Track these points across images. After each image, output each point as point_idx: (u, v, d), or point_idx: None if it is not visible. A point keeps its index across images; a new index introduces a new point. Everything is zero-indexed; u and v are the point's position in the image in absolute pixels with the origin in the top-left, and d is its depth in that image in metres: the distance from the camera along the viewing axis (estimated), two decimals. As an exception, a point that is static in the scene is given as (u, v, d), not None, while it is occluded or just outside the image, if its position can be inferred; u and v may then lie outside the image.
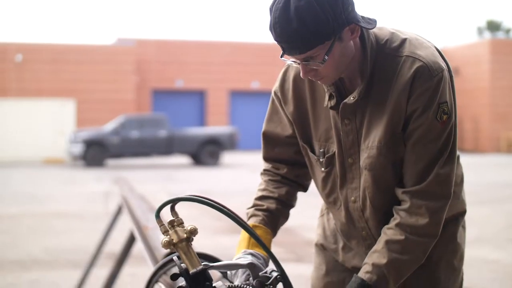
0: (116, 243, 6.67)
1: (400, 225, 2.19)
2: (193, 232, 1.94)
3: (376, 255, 2.19)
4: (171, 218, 1.96)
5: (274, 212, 2.43)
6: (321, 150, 2.37)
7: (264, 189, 2.49)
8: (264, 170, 2.55)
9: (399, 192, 2.24)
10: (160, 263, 2.64)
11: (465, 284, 7.06)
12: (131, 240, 4.86)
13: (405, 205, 2.20)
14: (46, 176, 22.46)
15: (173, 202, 1.95)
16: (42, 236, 10.36)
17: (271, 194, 2.46)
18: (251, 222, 2.38)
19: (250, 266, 2.04)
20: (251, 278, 2.07)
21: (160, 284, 2.58)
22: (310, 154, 2.41)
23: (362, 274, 2.18)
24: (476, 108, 36.63)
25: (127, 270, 6.72)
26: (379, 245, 2.21)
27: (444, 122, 2.17)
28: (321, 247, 2.64)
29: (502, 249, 9.10)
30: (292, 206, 2.52)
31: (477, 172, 21.71)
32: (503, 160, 28.24)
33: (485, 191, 16.02)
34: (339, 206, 2.42)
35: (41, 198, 15.47)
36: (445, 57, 2.29)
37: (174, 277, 1.91)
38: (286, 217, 2.50)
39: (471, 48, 38.71)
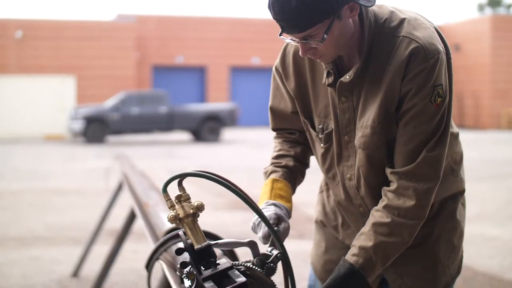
0: (116, 220, 6.68)
1: (387, 207, 2.19)
2: (199, 208, 1.94)
3: (363, 238, 2.20)
4: (178, 193, 1.95)
5: (292, 169, 2.46)
6: (320, 126, 2.38)
7: (280, 149, 2.52)
8: (277, 134, 2.58)
9: (388, 172, 2.24)
10: (161, 240, 2.64)
11: (465, 261, 7.08)
12: (131, 217, 4.87)
13: (393, 186, 2.21)
14: (46, 152, 22.47)
15: (181, 177, 1.94)
16: (43, 213, 10.38)
17: (287, 153, 2.50)
18: (271, 177, 2.40)
19: (250, 244, 2.04)
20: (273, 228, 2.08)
21: (161, 261, 2.59)
22: (311, 129, 2.42)
23: (349, 256, 2.18)
24: (477, 85, 36.56)
25: (128, 246, 6.74)
26: (366, 227, 2.22)
27: (438, 104, 2.17)
28: (321, 224, 2.64)
29: (503, 226, 9.11)
30: (307, 165, 2.55)
31: (477, 148, 21.71)
32: (503, 137, 28.23)
33: (485, 168, 16.02)
34: (337, 182, 2.43)
35: (42, 175, 15.49)
36: (444, 38, 2.27)
37: (179, 251, 1.90)
38: (302, 175, 2.53)
39: (472, 24, 38.56)
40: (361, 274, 2.13)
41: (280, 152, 2.50)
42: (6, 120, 31.80)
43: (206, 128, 27.14)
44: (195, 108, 27.85)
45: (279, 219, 2.20)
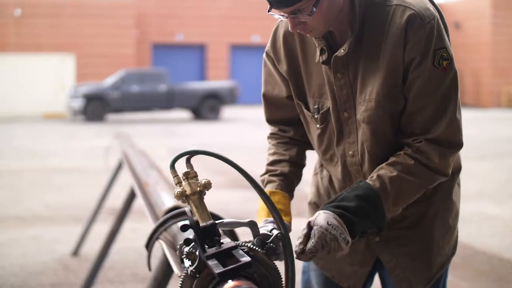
0: (117, 198, 6.68)
1: (410, 155, 2.18)
2: (207, 186, 1.93)
3: (383, 170, 2.18)
4: (185, 170, 1.94)
5: (288, 175, 2.42)
6: (315, 107, 2.35)
7: (274, 153, 2.47)
8: (271, 133, 2.53)
9: (408, 141, 2.21)
10: (161, 220, 2.63)
11: (464, 239, 7.08)
12: (131, 196, 4.86)
13: (419, 143, 2.19)
14: (46, 131, 22.46)
15: (190, 154, 1.93)
16: (43, 192, 10.39)
17: (282, 157, 2.45)
18: (267, 189, 2.37)
19: (251, 224, 2.02)
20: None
21: (161, 241, 2.58)
22: (305, 111, 2.39)
23: (367, 181, 2.17)
24: (477, 63, 36.47)
25: (128, 225, 6.75)
26: (387, 164, 2.20)
27: (444, 68, 2.15)
28: (315, 206, 2.63)
29: (503, 205, 9.11)
30: (303, 165, 2.52)
31: (478, 126, 21.70)
32: (504, 115, 28.21)
33: (486, 146, 16.02)
34: (336, 162, 2.40)
35: (42, 153, 15.49)
36: (435, 3, 2.25)
37: (184, 228, 1.89)
38: (299, 178, 2.50)
39: (472, 2, 38.39)
40: (378, 196, 2.13)
41: (275, 157, 2.46)
42: (6, 99, 31.74)
43: (206, 106, 27.11)
44: (195, 86, 27.81)
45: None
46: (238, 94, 28.15)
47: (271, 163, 2.45)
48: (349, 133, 2.32)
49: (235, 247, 1.86)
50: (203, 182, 1.94)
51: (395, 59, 2.17)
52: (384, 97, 2.20)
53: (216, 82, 30.49)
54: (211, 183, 1.94)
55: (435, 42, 2.14)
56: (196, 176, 1.95)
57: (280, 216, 2.01)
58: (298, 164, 2.47)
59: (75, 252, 6.59)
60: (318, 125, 2.37)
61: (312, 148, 2.54)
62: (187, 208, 1.96)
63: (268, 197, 1.95)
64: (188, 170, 1.95)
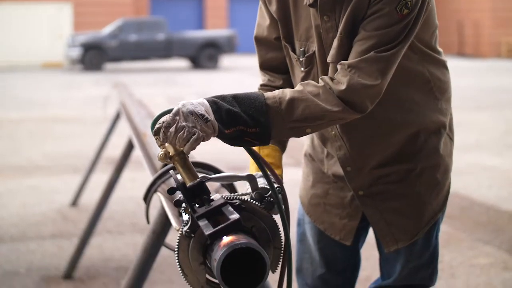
0: (115, 148, 6.68)
1: (323, 79, 2.11)
2: None
3: (296, 86, 2.14)
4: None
5: (284, 86, 2.41)
6: (301, 49, 2.33)
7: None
8: (261, 85, 2.51)
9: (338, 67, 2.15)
10: (159, 172, 2.63)
11: (462, 190, 7.11)
12: (129, 147, 4.85)
13: (338, 70, 2.13)
14: (44, 80, 22.38)
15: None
16: (41, 141, 10.39)
17: (272, 89, 2.42)
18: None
19: (249, 178, 2.02)
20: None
21: (159, 194, 2.58)
22: (291, 53, 2.37)
23: (267, 92, 2.10)
24: (477, 13, 36.17)
25: (127, 175, 6.74)
26: (301, 82, 2.13)
27: (403, 15, 2.10)
28: (310, 158, 2.62)
29: (500, 156, 9.12)
30: None
31: (477, 77, 21.64)
32: (503, 65, 28.09)
33: (484, 97, 15.98)
34: None
35: (40, 103, 15.45)
36: None
37: (171, 191, 1.89)
38: None
39: (475, -50, 37.93)
40: (265, 104, 2.00)
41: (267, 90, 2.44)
42: (3, 48, 31.51)
43: (204, 55, 26.99)
44: (193, 35, 27.65)
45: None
46: (237, 43, 28.00)
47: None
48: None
49: (225, 203, 1.86)
50: None
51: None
52: (346, 34, 2.17)
53: (215, 30, 30.29)
54: None
55: None
56: None
57: (272, 169, 2.00)
58: None
59: (74, 202, 6.61)
60: (302, 69, 2.34)
61: None
62: (171, 171, 1.96)
63: (258, 154, 1.96)
64: None
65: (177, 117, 1.88)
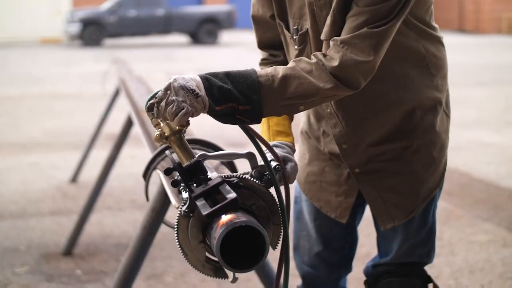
0: (115, 124, 6.67)
1: (316, 56, 2.09)
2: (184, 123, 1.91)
3: (288, 63, 2.12)
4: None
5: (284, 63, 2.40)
6: (294, 27, 2.32)
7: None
8: (262, 59, 2.51)
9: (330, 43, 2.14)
10: (158, 150, 2.63)
11: (462, 167, 7.10)
12: (129, 124, 4.85)
13: (330, 47, 2.11)
14: (43, 56, 22.31)
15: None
16: (41, 118, 10.38)
17: (273, 64, 2.42)
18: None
19: (248, 155, 2.02)
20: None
21: (158, 171, 2.58)
22: (285, 31, 2.36)
23: (259, 69, 2.10)
24: (479, -13, 36.03)
25: (126, 151, 6.74)
26: (294, 59, 2.11)
27: None
28: (306, 135, 2.62)
29: (500, 132, 9.11)
30: None
31: (477, 53, 21.58)
32: (503, 41, 27.99)
33: (485, 72, 15.93)
34: None
35: (40, 79, 15.42)
36: None
37: (167, 171, 1.89)
38: None
39: None
40: (257, 81, 1.99)
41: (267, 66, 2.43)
42: (1, 24, 31.37)
43: (203, 31, 26.91)
44: (192, 10, 27.53)
45: (284, 161, 2.13)
46: (236, 18, 27.91)
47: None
48: None
49: (222, 182, 1.85)
50: None
51: None
52: (339, 11, 2.15)
53: (214, 6, 30.18)
54: (189, 121, 1.92)
55: None
56: None
57: (271, 147, 2.00)
58: None
59: (74, 179, 6.62)
60: (296, 46, 2.33)
61: None
62: (167, 151, 1.95)
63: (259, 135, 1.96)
64: None
65: (168, 91, 1.89)
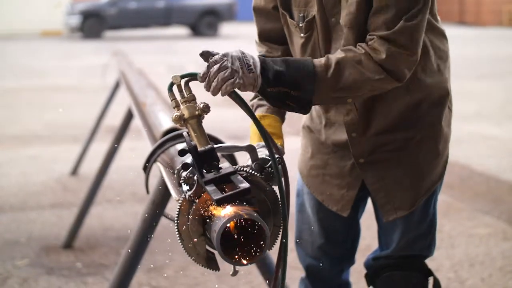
0: (115, 117, 6.65)
1: (362, 46, 2.13)
2: (205, 110, 1.93)
3: (335, 52, 2.15)
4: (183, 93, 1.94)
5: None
6: (300, 15, 2.32)
7: None
8: (259, 56, 2.50)
9: (367, 38, 2.16)
10: (158, 142, 2.63)
11: (462, 160, 7.09)
12: (129, 116, 4.85)
13: (371, 41, 2.13)
14: (43, 48, 22.28)
15: (188, 77, 1.94)
16: (41, 111, 10.37)
17: None
18: (257, 113, 2.35)
19: (249, 148, 2.01)
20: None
21: (158, 164, 2.57)
22: (289, 20, 2.36)
23: (315, 59, 2.13)
24: (479, -20, 35.97)
25: (126, 144, 6.73)
26: (341, 49, 2.16)
27: None
28: (308, 129, 2.62)
29: (501, 125, 9.10)
30: None
31: (477, 45, 21.55)
32: (504, 34, 27.96)
33: (485, 65, 15.91)
34: None
35: (40, 72, 15.40)
36: None
37: (182, 153, 1.87)
38: None
39: None
40: (313, 71, 2.05)
41: None
42: (2, 17, 31.32)
43: (204, 23, 26.88)
44: (193, 3, 27.47)
45: None
46: (237, 10, 27.87)
47: (260, 98, 2.42)
48: (337, 39, 2.29)
49: (234, 172, 1.85)
50: (201, 106, 1.92)
51: None
52: (364, 0, 2.16)
53: (215, -2, 30.15)
54: (209, 107, 1.93)
55: None
56: (194, 99, 1.93)
57: (272, 140, 2.00)
58: None
59: (74, 172, 6.61)
60: (302, 34, 2.33)
61: None
62: (184, 132, 1.94)
63: (258, 121, 1.96)
64: (186, 93, 1.93)
65: (225, 58, 1.94)
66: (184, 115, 1.91)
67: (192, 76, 1.94)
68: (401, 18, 2.11)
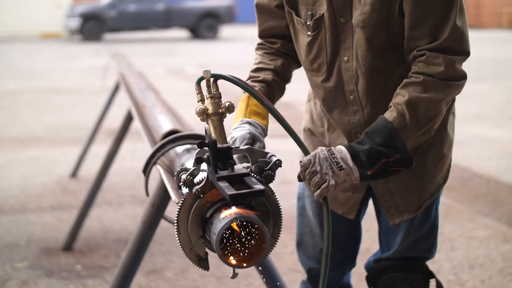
0: (115, 119, 6.67)
1: (417, 72, 2.15)
2: (229, 109, 1.95)
3: (398, 97, 2.15)
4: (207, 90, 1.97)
5: (271, 83, 2.39)
6: (308, 13, 2.31)
7: (259, 62, 2.45)
8: (258, 44, 2.51)
9: (413, 53, 2.17)
10: (158, 145, 2.62)
11: (462, 162, 7.09)
12: (129, 118, 4.84)
13: (423, 57, 2.15)
14: (43, 51, 22.29)
15: (218, 77, 1.96)
16: (41, 112, 10.37)
17: (266, 66, 2.43)
18: (247, 94, 2.30)
19: (249, 151, 2.00)
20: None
21: (158, 166, 2.57)
22: (296, 18, 2.35)
23: (385, 114, 2.15)
24: (479, -18, 35.98)
25: (126, 146, 6.74)
26: (399, 89, 2.17)
27: None
28: (309, 132, 2.61)
29: (501, 127, 9.10)
30: (287, 80, 2.49)
31: (477, 48, 21.52)
32: (504, 36, 27.98)
33: (485, 67, 15.90)
34: (323, 72, 2.36)
35: (39, 74, 15.40)
36: None
37: (201, 144, 1.86)
38: (282, 90, 2.47)
39: None
40: (393, 128, 2.09)
41: (259, 65, 2.43)
42: (2, 19, 31.33)
43: (204, 25, 26.92)
44: (192, 5, 27.50)
45: (253, 139, 2.14)
46: (237, 12, 27.89)
47: (255, 70, 2.43)
48: (345, 38, 2.29)
49: (248, 174, 1.84)
50: (226, 104, 1.94)
51: None
52: (380, 1, 2.16)
53: (214, 0, 30.12)
54: (234, 107, 1.95)
55: None
56: (220, 97, 1.96)
57: (300, 141, 2.01)
58: (282, 76, 2.44)
59: (74, 174, 6.61)
60: (309, 32, 2.32)
61: (298, 66, 2.50)
62: (206, 125, 1.95)
63: (293, 131, 1.99)
64: (213, 90, 1.96)
65: (313, 160, 2.03)
66: (208, 109, 1.93)
67: (223, 79, 1.96)
68: (445, 23, 2.11)
